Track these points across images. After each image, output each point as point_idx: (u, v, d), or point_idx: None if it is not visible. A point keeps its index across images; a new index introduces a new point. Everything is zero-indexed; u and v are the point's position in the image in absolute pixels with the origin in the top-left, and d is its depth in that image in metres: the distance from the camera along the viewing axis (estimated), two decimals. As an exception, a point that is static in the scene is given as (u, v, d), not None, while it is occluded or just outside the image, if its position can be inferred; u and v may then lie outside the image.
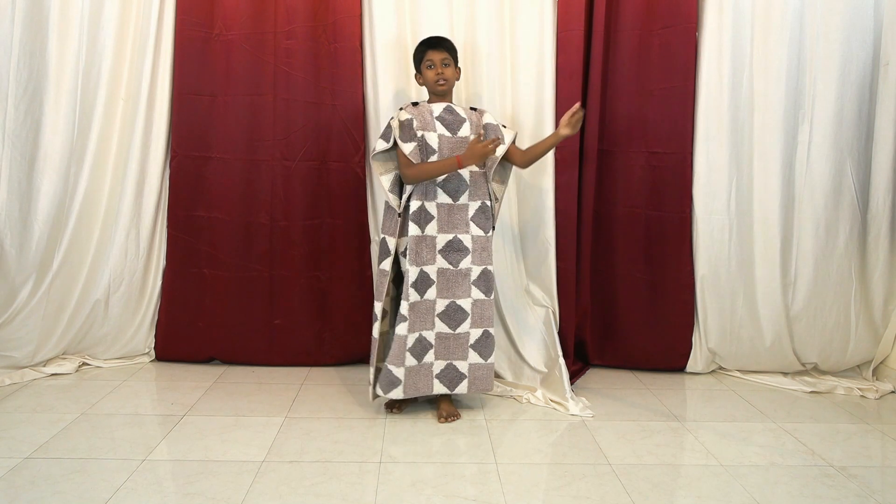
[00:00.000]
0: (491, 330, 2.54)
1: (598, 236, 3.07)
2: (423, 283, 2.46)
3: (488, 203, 2.53)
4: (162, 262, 3.07)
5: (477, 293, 2.51)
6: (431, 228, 2.47)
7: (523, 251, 2.95)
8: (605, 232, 3.07)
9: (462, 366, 2.51)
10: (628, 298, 3.08)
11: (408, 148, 2.43)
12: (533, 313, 2.91)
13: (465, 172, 2.47)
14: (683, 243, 3.00)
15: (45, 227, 2.87)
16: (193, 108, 2.97)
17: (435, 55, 2.49)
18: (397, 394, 2.44)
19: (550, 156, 2.87)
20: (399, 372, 2.44)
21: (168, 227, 3.04)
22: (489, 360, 2.54)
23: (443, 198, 2.47)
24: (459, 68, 2.59)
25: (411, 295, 2.44)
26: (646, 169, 3.00)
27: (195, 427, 2.39)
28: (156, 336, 3.09)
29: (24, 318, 2.86)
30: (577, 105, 2.44)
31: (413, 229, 2.45)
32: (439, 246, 2.47)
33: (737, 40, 2.90)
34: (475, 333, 2.51)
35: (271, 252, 3.02)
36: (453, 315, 2.49)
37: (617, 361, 3.15)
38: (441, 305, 2.48)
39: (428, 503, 1.90)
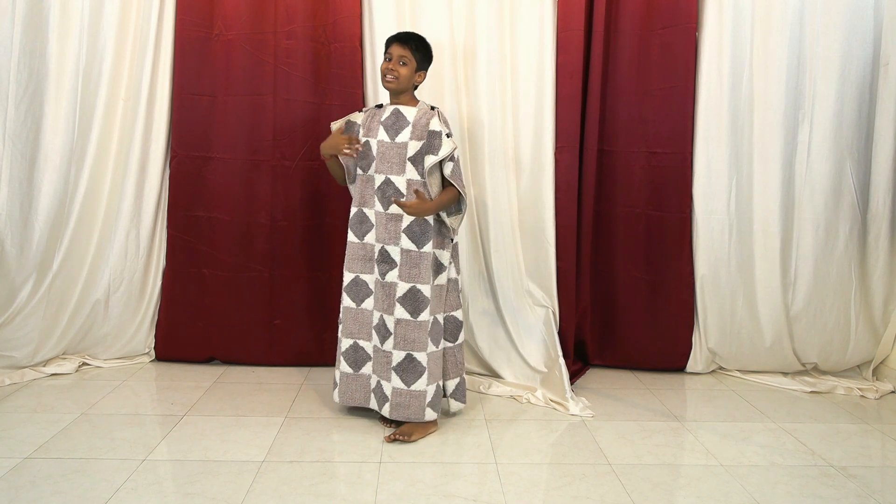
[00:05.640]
0: (417, 355, 2.31)
1: (598, 236, 3.07)
2: (360, 290, 2.44)
3: (428, 217, 2.34)
4: (162, 262, 3.07)
5: (401, 312, 2.32)
6: (371, 237, 2.40)
7: (523, 251, 2.95)
8: (605, 232, 3.07)
9: (386, 387, 2.36)
10: (628, 298, 3.08)
11: None
12: (533, 313, 2.91)
13: (400, 181, 2.34)
14: (683, 243, 3.00)
15: (45, 227, 2.87)
16: (193, 108, 2.97)
17: (395, 49, 2.36)
18: (336, 396, 2.49)
19: (550, 156, 2.87)
20: (336, 374, 2.50)
21: (168, 227, 3.04)
22: (413, 388, 2.31)
23: (378, 206, 2.38)
24: (423, 73, 2.42)
25: (344, 299, 2.46)
26: (646, 169, 3.00)
27: (195, 427, 2.39)
28: (156, 336, 3.09)
29: (24, 318, 2.86)
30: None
31: (350, 235, 2.44)
32: (375, 255, 2.40)
33: (737, 40, 2.90)
34: (397, 356, 2.33)
35: (271, 252, 3.02)
36: (380, 329, 2.38)
37: (617, 361, 3.15)
38: (375, 317, 2.40)
39: (428, 503, 1.90)
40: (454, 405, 2.51)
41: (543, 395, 2.72)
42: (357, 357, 2.45)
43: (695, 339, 3.07)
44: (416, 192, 2.29)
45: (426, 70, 2.44)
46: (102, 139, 2.93)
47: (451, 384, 2.48)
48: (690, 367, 3.09)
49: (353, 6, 2.91)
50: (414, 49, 2.36)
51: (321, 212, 3.02)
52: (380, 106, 2.46)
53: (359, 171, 2.43)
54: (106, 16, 2.88)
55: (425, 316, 2.33)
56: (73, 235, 2.93)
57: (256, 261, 3.03)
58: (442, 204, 2.34)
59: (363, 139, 2.40)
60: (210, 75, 2.96)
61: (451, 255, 2.45)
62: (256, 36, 2.94)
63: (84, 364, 3.00)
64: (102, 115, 2.91)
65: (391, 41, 2.39)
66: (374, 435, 2.36)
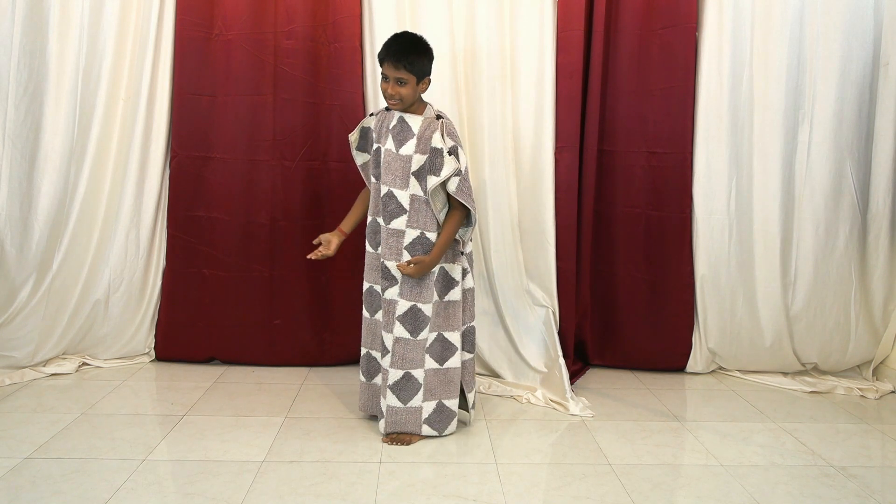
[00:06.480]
0: (415, 373, 2.25)
1: (598, 236, 3.07)
2: (373, 301, 2.37)
3: (430, 236, 2.24)
4: (162, 262, 3.07)
5: (400, 330, 2.24)
6: (382, 248, 2.31)
7: (523, 251, 2.95)
8: (605, 232, 3.07)
9: (383, 403, 2.30)
10: (628, 298, 3.08)
11: (359, 158, 2.40)
12: (533, 313, 2.91)
13: (403, 196, 2.23)
14: (683, 243, 3.00)
15: (45, 227, 2.87)
16: (193, 108, 2.97)
17: (389, 71, 2.20)
18: (359, 404, 2.49)
19: (550, 156, 2.87)
20: (358, 384, 2.48)
21: (168, 227, 3.04)
22: (409, 405, 2.26)
23: (382, 219, 2.29)
24: (427, 79, 2.28)
25: (363, 308, 2.41)
26: (646, 169, 3.00)
27: (195, 427, 2.39)
28: (156, 336, 3.08)
29: (24, 318, 2.86)
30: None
31: (366, 244, 2.38)
32: (381, 268, 2.32)
33: (737, 40, 2.90)
34: (394, 374, 2.25)
35: (271, 252, 3.02)
36: (381, 347, 2.33)
37: (617, 361, 3.15)
38: (380, 332, 2.35)
39: (428, 503, 1.90)
40: (472, 415, 2.49)
41: (543, 395, 2.72)
42: (369, 367, 2.42)
43: (695, 339, 3.07)
44: (409, 262, 2.22)
45: (429, 74, 2.30)
46: (102, 139, 2.93)
47: (472, 397, 2.44)
48: (690, 367, 3.09)
49: (353, 6, 2.91)
50: (409, 66, 2.19)
51: (321, 212, 3.02)
52: (388, 108, 2.36)
53: (372, 179, 2.35)
54: (106, 16, 2.88)
55: (425, 334, 2.26)
56: (73, 235, 2.93)
57: (256, 261, 3.03)
58: (446, 244, 2.25)
59: (375, 146, 2.32)
60: (210, 75, 2.96)
61: (467, 265, 2.38)
62: (256, 36, 2.94)
63: (84, 364, 2.99)
64: (102, 115, 2.91)
65: (383, 59, 2.23)
66: (375, 435, 2.36)
